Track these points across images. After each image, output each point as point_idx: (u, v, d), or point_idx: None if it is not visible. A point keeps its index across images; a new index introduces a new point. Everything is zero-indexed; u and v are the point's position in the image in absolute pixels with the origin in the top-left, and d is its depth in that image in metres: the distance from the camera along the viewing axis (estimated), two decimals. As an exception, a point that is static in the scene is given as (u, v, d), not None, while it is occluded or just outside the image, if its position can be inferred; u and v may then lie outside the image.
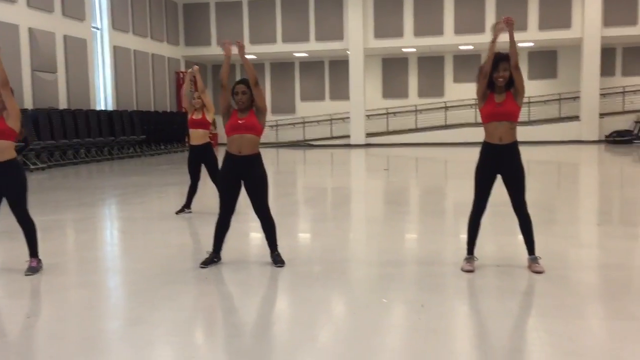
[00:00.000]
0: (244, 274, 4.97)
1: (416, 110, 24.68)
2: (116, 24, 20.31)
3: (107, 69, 20.26)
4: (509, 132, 4.64)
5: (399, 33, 23.18)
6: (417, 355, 3.25)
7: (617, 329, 3.58)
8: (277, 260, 5.09)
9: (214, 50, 24.38)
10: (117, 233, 7.32)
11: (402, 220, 7.54)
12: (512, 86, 4.61)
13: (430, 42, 22.83)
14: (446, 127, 24.00)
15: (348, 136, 23.91)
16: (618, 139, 21.13)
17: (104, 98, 20.30)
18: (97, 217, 8.31)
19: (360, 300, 4.22)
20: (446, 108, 24.39)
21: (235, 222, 5.28)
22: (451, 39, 22.60)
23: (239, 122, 4.93)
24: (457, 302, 4.13)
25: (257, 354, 3.30)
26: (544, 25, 21.94)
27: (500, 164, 4.68)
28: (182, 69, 24.43)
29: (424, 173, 14.92)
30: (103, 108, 19.78)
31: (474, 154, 5.03)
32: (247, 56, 5.06)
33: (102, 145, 17.88)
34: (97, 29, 19.85)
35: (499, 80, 4.56)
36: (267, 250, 5.20)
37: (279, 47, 24.45)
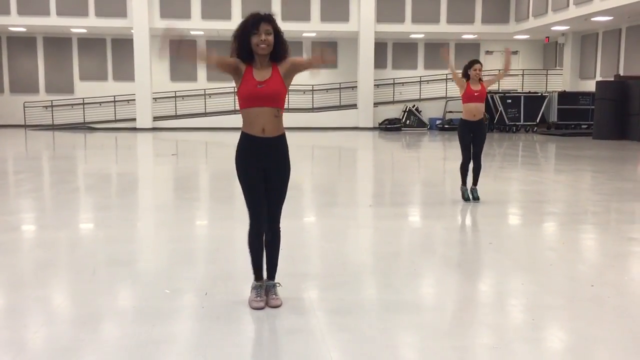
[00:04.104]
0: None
1: (205, 95, 24.48)
2: None
3: None
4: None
5: (186, 14, 22.70)
6: (204, 340, 3.27)
7: (389, 304, 3.98)
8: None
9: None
10: None
11: (191, 207, 7.45)
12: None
13: (218, 25, 22.75)
14: (236, 112, 24.21)
15: (134, 119, 22.85)
16: (389, 127, 23.28)
17: None
18: None
19: (146, 291, 4.10)
20: (235, 93, 24.56)
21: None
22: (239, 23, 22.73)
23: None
24: (247, 289, 4.23)
25: None
26: (325, 17, 23.21)
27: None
28: None
29: (213, 158, 14.91)
30: None
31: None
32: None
33: None
34: None
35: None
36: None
37: (53, 21, 22.35)
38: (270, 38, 3.50)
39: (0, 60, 24.30)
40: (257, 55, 3.56)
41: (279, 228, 3.83)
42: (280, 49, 3.58)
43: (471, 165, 7.57)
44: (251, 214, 3.74)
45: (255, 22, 3.49)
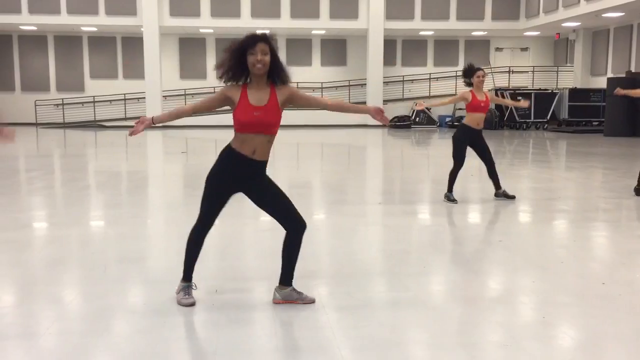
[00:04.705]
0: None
1: (214, 92, 24.52)
2: None
3: None
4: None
5: (195, 12, 22.75)
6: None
7: (399, 301, 3.98)
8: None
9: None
10: None
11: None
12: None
13: (227, 23, 22.79)
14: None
15: (144, 117, 22.92)
16: (399, 124, 23.23)
17: None
18: None
19: (156, 289, 4.12)
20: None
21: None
22: (248, 21, 22.79)
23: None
24: (258, 286, 4.24)
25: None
26: (334, 14, 23.18)
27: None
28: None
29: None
30: None
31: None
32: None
33: None
34: None
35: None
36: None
37: (63, 19, 22.48)
38: (267, 58, 3.49)
39: (12, 59, 24.47)
40: (254, 76, 3.56)
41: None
42: (277, 69, 3.58)
43: (456, 169, 7.37)
44: (201, 218, 3.76)
45: (253, 41, 3.48)
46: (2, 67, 24.31)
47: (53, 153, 14.88)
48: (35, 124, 23.71)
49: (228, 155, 3.64)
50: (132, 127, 3.83)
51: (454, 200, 7.23)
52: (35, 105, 23.98)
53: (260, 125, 3.54)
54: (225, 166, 3.64)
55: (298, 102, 3.76)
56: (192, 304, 3.77)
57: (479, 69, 7.26)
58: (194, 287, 3.88)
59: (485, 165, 7.45)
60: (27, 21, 22.48)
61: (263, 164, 3.67)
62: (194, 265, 3.86)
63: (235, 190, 3.70)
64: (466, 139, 7.33)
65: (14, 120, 23.99)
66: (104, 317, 3.62)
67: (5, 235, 5.74)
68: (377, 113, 3.75)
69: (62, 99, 24.31)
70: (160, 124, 3.57)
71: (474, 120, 7.28)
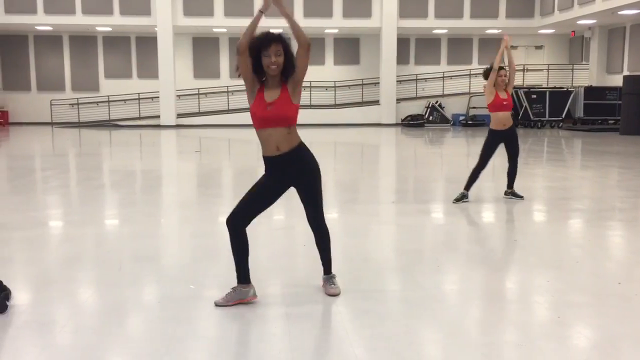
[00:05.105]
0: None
1: (228, 92, 24.62)
2: None
3: None
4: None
5: (209, 12, 22.83)
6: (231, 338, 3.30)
7: (413, 301, 3.97)
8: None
9: (0, 17, 21.95)
10: None
11: (215, 204, 7.51)
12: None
13: (241, 23, 22.82)
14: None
15: (158, 116, 23.08)
16: (412, 123, 23.15)
17: None
18: None
19: (170, 287, 4.14)
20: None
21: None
22: (261, 21, 22.76)
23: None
24: (271, 284, 4.25)
25: (59, 353, 3.07)
26: (347, 13, 23.14)
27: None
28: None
29: (236, 154, 14.99)
30: None
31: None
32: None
33: None
34: None
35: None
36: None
37: (78, 19, 22.66)
38: (280, 59, 3.51)
39: (28, 59, 24.71)
40: (268, 75, 3.59)
41: (326, 227, 3.94)
42: (290, 67, 3.57)
43: (479, 168, 7.29)
44: (238, 207, 3.73)
45: (266, 42, 3.49)
46: (18, 67, 24.56)
47: (68, 152, 15.01)
48: (51, 124, 23.93)
49: (265, 163, 3.73)
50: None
51: (464, 198, 7.23)
52: (51, 105, 24.19)
53: (275, 119, 3.57)
54: (265, 172, 3.74)
55: (297, 71, 3.60)
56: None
57: (501, 68, 7.23)
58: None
59: (509, 163, 7.43)
60: (42, 21, 22.69)
61: (294, 153, 3.66)
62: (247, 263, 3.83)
63: (281, 189, 3.76)
64: (496, 142, 7.24)
65: (30, 120, 24.24)
66: (119, 313, 3.65)
67: (22, 233, 5.80)
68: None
69: (77, 98, 24.50)
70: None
71: (499, 121, 7.18)
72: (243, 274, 3.78)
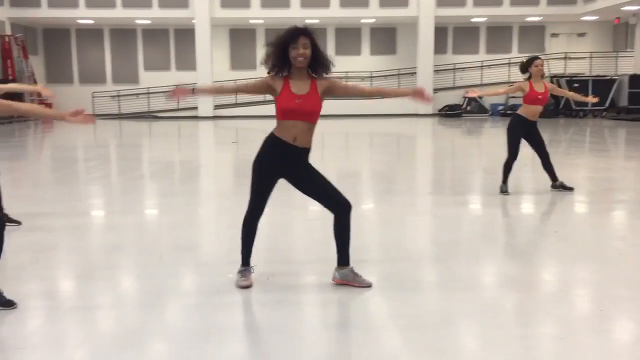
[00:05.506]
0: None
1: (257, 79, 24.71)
2: None
3: None
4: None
5: (246, 3, 22.95)
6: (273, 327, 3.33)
7: (450, 292, 3.94)
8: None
9: (44, 12, 22.49)
10: None
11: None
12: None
13: (278, 14, 22.88)
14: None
15: (196, 108, 23.37)
16: (449, 113, 22.87)
17: None
18: None
19: (206, 273, 4.21)
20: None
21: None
22: (298, 12, 22.82)
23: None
24: (305, 277, 4.28)
25: (102, 339, 3.16)
26: (384, 2, 22.94)
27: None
28: (8, 32, 22.15)
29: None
30: None
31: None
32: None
33: None
34: None
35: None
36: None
37: (119, 12, 23.07)
38: (308, 52, 3.63)
39: (70, 52, 25.30)
40: (295, 68, 3.68)
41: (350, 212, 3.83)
42: (317, 61, 3.70)
43: (511, 161, 7.09)
44: (250, 204, 3.91)
45: (294, 35, 3.61)
46: (61, 60, 25.17)
47: (109, 143, 15.34)
48: (93, 115, 24.45)
49: (271, 142, 3.79)
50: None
51: (506, 192, 7.06)
52: (93, 97, 24.73)
53: (301, 113, 3.67)
54: (268, 152, 3.79)
55: (337, 92, 3.87)
56: (248, 286, 3.87)
57: (537, 58, 7.02)
58: (252, 271, 3.98)
59: (540, 158, 7.21)
60: (84, 15, 23.17)
61: (305, 151, 3.78)
62: (250, 250, 3.99)
63: (279, 176, 3.84)
64: (520, 131, 7.01)
65: (73, 112, 24.81)
66: (160, 301, 3.73)
67: (66, 222, 5.96)
68: (417, 93, 3.86)
69: (118, 90, 24.99)
70: (203, 95, 3.80)
71: (530, 112, 7.00)
72: (248, 257, 3.99)
